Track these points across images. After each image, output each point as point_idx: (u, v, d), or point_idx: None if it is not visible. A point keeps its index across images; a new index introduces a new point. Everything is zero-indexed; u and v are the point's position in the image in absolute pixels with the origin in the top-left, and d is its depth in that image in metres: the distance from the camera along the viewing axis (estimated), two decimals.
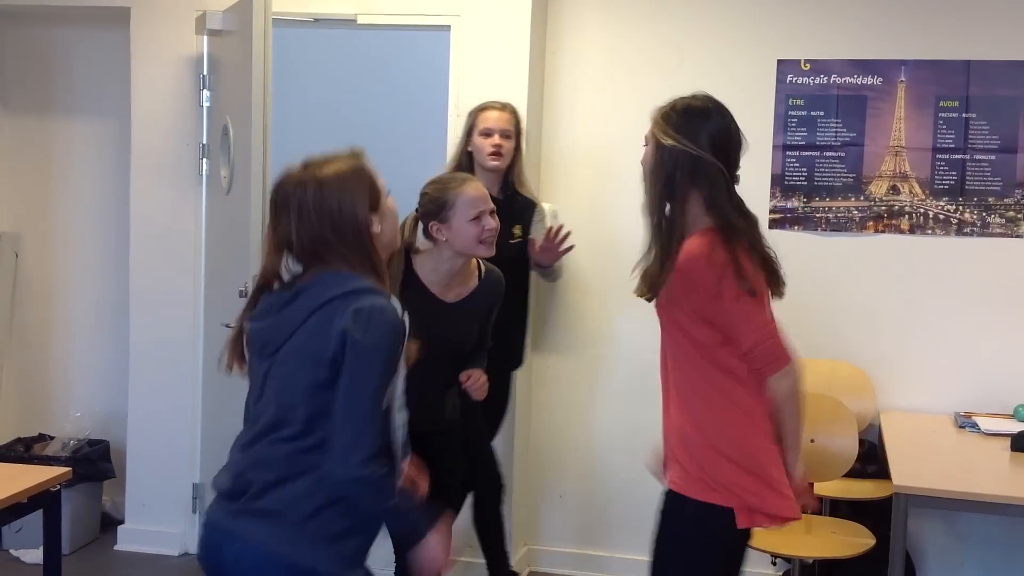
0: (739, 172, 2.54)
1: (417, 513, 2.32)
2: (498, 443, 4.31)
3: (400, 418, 2.29)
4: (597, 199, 4.46)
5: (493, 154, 3.84)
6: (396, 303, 2.25)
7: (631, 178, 4.33)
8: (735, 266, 2.38)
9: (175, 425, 4.59)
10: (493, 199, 3.34)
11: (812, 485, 2.80)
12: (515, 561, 4.38)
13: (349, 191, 2.23)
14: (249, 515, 2.21)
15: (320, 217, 2.21)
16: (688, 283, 2.42)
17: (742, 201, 2.54)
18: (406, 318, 2.25)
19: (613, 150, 4.44)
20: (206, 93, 4.50)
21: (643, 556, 4.40)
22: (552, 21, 4.46)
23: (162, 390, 4.60)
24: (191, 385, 4.59)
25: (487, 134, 3.85)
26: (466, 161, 3.87)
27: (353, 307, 2.16)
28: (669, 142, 2.48)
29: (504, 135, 3.87)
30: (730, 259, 2.38)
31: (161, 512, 4.61)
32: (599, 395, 4.50)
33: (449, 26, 4.29)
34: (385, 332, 2.17)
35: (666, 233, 2.47)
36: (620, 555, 4.46)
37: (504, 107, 3.91)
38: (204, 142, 4.52)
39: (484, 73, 4.26)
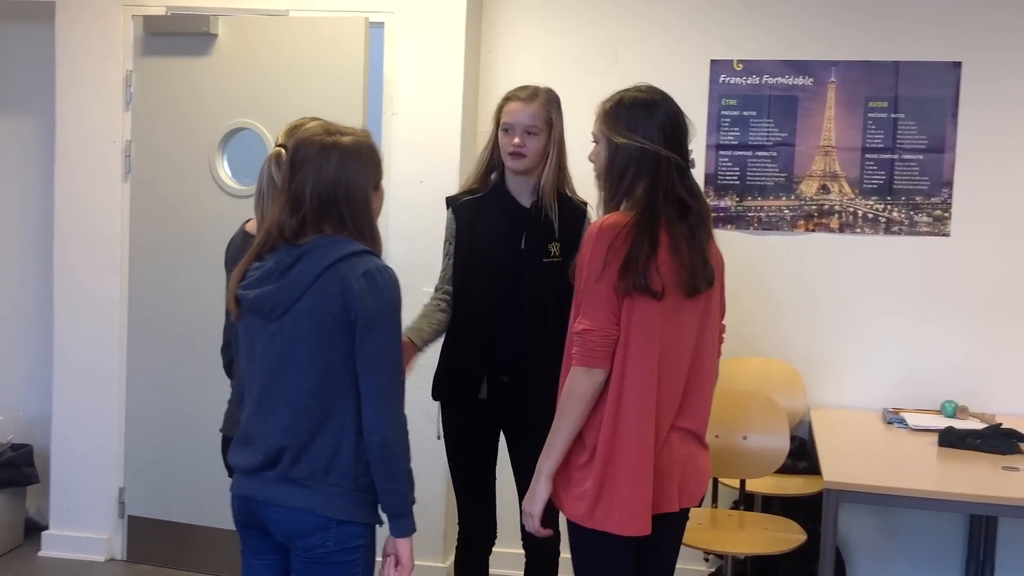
0: (692, 156, 2.54)
1: (413, 495, 2.39)
2: (434, 444, 4.28)
3: None
4: None
5: (513, 154, 3.16)
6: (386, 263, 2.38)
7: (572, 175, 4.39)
8: (624, 252, 2.37)
9: (100, 429, 4.49)
10: (523, 209, 3.17)
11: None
12: (449, 563, 4.36)
13: (365, 164, 2.38)
14: (288, 483, 2.33)
15: (336, 182, 2.33)
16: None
17: (697, 188, 2.53)
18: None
19: None
20: (132, 89, 4.42)
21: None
22: (487, 19, 4.44)
23: (87, 393, 4.50)
24: (116, 388, 4.49)
25: (507, 130, 3.19)
26: (497, 160, 3.26)
27: (362, 269, 2.29)
28: (621, 140, 2.48)
29: (529, 131, 3.17)
30: (623, 245, 2.38)
31: (87, 517, 4.51)
32: None
33: (383, 23, 4.25)
34: (393, 290, 2.32)
35: None
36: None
37: (532, 96, 3.24)
38: (129, 139, 4.44)
39: (419, 70, 4.23)
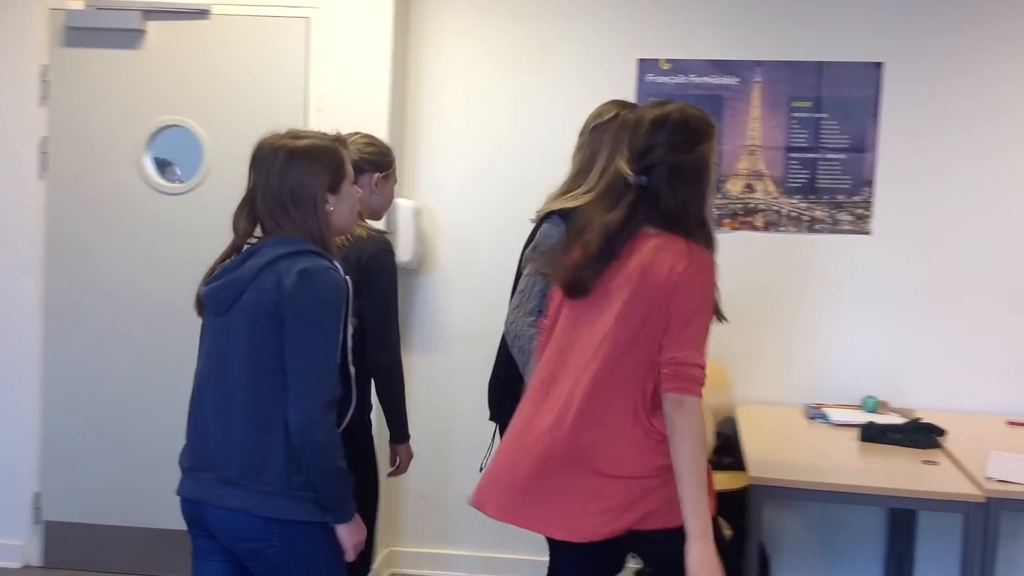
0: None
1: (351, 484, 2.39)
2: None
3: (351, 370, 2.46)
4: (464, 195, 4.43)
5: None
6: (339, 266, 2.38)
7: (497, 174, 4.39)
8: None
9: (15, 432, 4.37)
10: None
11: None
12: (377, 564, 4.32)
13: (313, 166, 2.39)
14: (223, 483, 2.34)
15: (282, 183, 2.38)
16: None
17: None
18: (348, 280, 2.39)
19: (479, 146, 4.42)
20: (48, 83, 4.31)
21: (504, 554, 4.44)
22: (415, 15, 4.41)
23: (1, 395, 4.38)
24: (32, 390, 4.37)
25: None
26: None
27: (299, 267, 2.30)
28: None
29: None
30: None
31: (1, 523, 4.38)
32: (462, 394, 4.47)
33: (308, 17, 4.20)
34: (329, 290, 2.31)
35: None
36: (482, 554, 4.46)
37: None
38: (46, 134, 4.32)
39: (345, 67, 4.19)
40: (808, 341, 4.26)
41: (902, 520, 4.18)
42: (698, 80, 4.30)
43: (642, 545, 2.56)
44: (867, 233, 4.25)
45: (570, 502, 2.42)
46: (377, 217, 3.28)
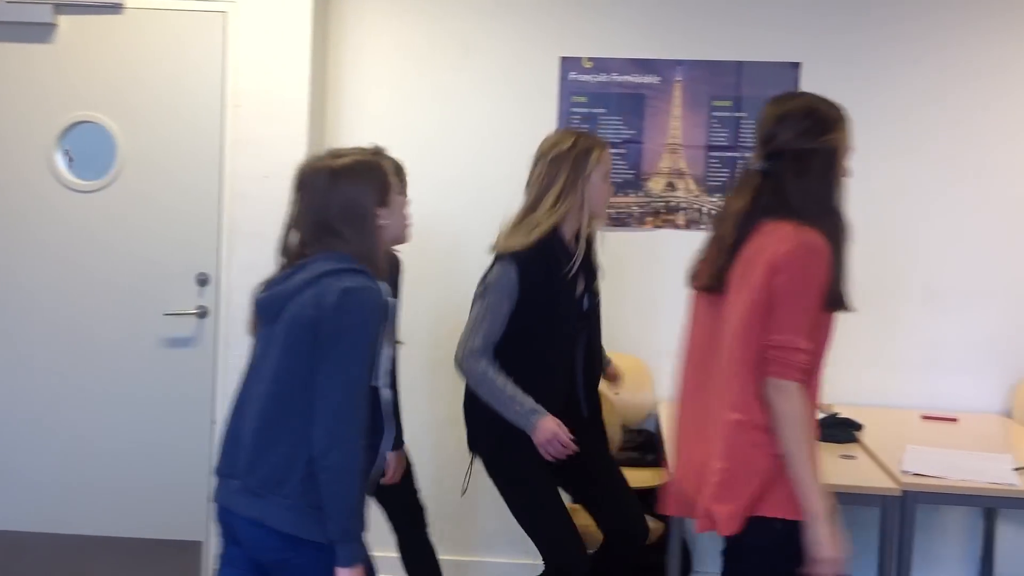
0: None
1: (361, 524, 2.32)
2: None
3: (386, 396, 2.45)
4: None
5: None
6: (384, 287, 2.37)
7: (420, 172, 4.34)
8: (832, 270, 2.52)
9: None
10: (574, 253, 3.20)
11: None
12: None
13: (360, 183, 2.41)
14: (246, 492, 2.32)
15: (330, 204, 2.38)
16: None
17: None
18: (392, 302, 2.43)
19: (401, 144, 4.36)
20: None
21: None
22: (335, 10, 4.35)
23: None
24: None
25: (608, 180, 3.25)
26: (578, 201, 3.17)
27: (342, 285, 2.29)
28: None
29: None
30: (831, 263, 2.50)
31: None
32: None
33: (225, 12, 4.12)
34: (368, 311, 2.30)
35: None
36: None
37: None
38: None
39: (263, 62, 4.11)
40: None
41: None
42: (620, 79, 4.32)
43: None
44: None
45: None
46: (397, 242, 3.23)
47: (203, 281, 4.19)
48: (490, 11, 4.33)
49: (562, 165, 3.11)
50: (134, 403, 4.22)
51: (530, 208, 3.15)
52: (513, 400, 3.06)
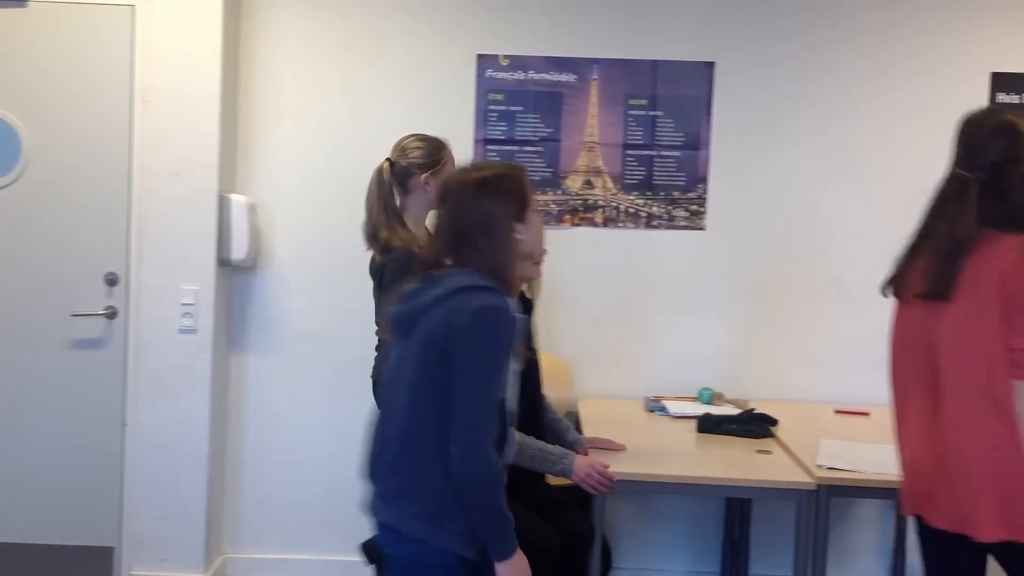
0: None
1: (511, 522, 2.40)
2: (195, 448, 4.10)
3: (510, 408, 2.50)
4: (300, 191, 4.32)
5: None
6: (513, 303, 2.42)
7: (334, 169, 4.30)
8: None
9: None
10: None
11: None
12: (212, 572, 4.18)
13: (500, 196, 2.46)
14: (380, 498, 2.46)
15: (472, 216, 2.45)
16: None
17: None
18: (523, 319, 2.46)
19: (315, 140, 4.32)
20: None
21: (345, 556, 4.35)
22: (247, 4, 4.27)
23: None
24: None
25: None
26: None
27: (475, 304, 2.34)
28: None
29: None
30: None
31: None
32: (300, 395, 4.36)
33: (133, 5, 4.02)
34: (499, 330, 2.36)
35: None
36: (324, 557, 4.36)
37: None
38: None
39: (172, 57, 4.02)
40: (647, 335, 4.33)
41: (738, 508, 4.28)
42: (537, 77, 4.31)
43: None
44: (702, 229, 4.34)
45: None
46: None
47: (112, 281, 4.09)
48: (405, 7, 4.29)
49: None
50: (42, 407, 4.10)
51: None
52: (544, 451, 3.16)
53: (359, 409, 4.35)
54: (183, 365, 4.08)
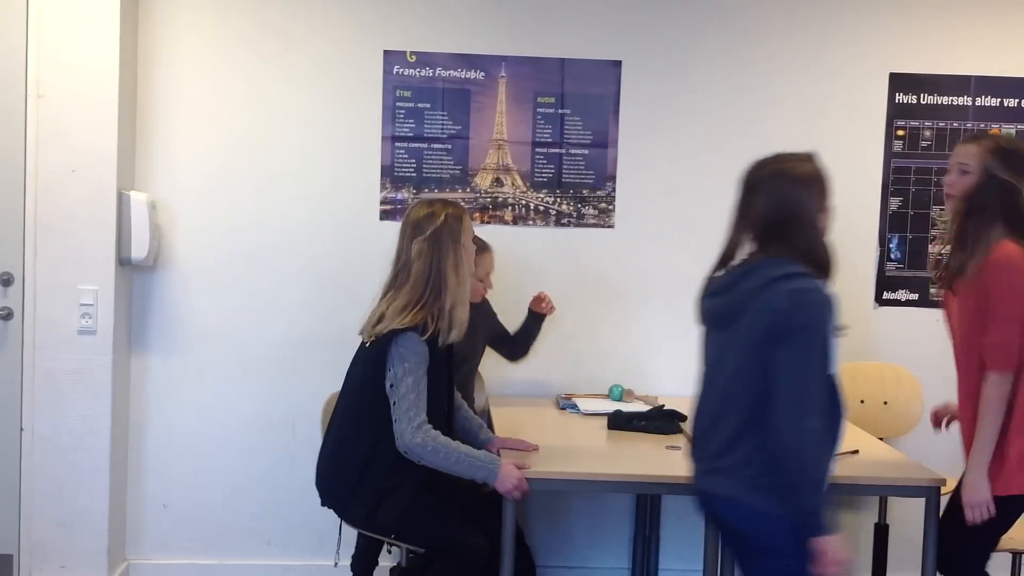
0: None
1: (820, 500, 2.50)
2: (95, 452, 3.99)
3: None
4: (203, 188, 4.22)
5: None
6: (827, 284, 2.57)
7: (238, 166, 4.21)
8: None
9: None
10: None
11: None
12: None
13: (811, 189, 2.61)
14: (713, 473, 2.64)
15: (784, 206, 2.59)
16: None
17: None
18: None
19: (218, 137, 4.23)
20: None
21: (252, 560, 4.28)
22: None
23: None
24: None
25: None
26: None
27: (789, 288, 2.51)
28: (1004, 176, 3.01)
29: None
30: None
31: None
32: (205, 397, 4.27)
33: None
34: (818, 309, 2.51)
35: (972, 241, 2.99)
36: (230, 561, 4.29)
37: None
38: None
39: (68, 50, 3.89)
40: (557, 333, 4.34)
41: (648, 504, 4.32)
42: (445, 73, 4.29)
43: None
44: (611, 227, 4.36)
45: None
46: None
47: (6, 281, 3.95)
48: (312, 3, 4.23)
49: (444, 239, 3.23)
50: None
51: (427, 287, 3.21)
52: (470, 456, 3.15)
53: (266, 410, 4.30)
54: (82, 367, 3.96)
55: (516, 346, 4.13)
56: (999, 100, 4.41)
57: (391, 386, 3.14)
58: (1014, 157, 3.03)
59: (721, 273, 2.73)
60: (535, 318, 4.11)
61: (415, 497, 3.23)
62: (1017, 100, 4.41)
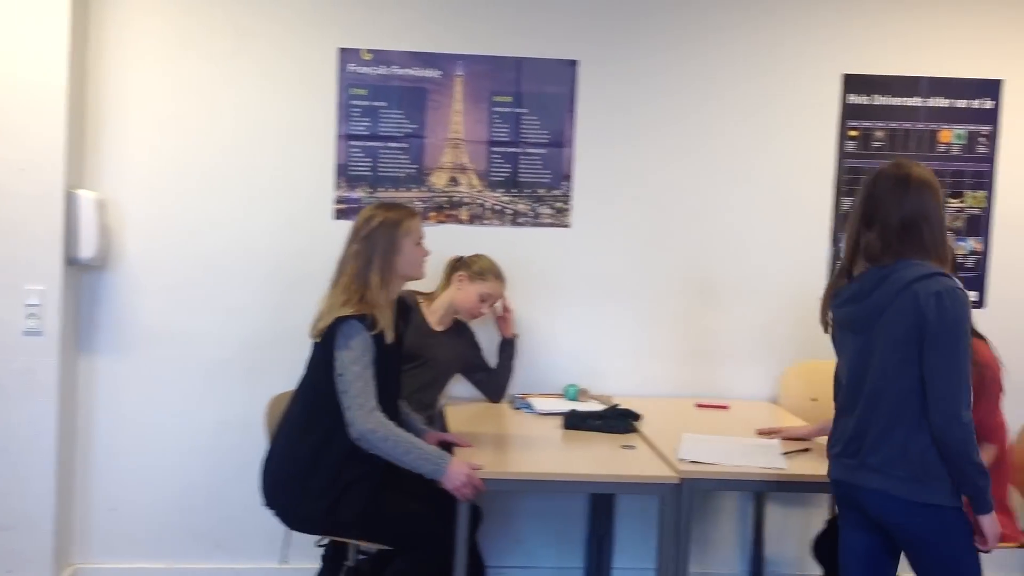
0: None
1: (988, 479, 2.66)
2: (41, 455, 3.92)
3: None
4: (154, 185, 4.16)
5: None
6: (959, 283, 2.69)
7: (190, 164, 4.15)
8: None
9: None
10: None
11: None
12: None
13: (936, 194, 2.77)
14: (864, 468, 2.78)
15: (913, 212, 2.73)
16: None
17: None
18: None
19: (169, 134, 4.16)
20: None
21: (201, 564, 4.22)
22: None
23: None
24: None
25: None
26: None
27: (933, 290, 2.64)
28: None
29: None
30: None
31: None
32: (153, 398, 4.20)
33: None
34: (960, 307, 2.65)
35: None
36: (179, 565, 4.23)
37: None
38: None
39: (15, 44, 3.82)
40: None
41: (602, 504, 4.32)
42: (400, 72, 4.26)
43: None
44: (567, 226, 4.36)
45: None
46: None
47: None
48: (265, 0, 4.18)
49: (376, 241, 3.27)
50: None
51: (357, 286, 3.25)
52: (421, 449, 3.15)
53: (216, 411, 4.24)
54: (28, 369, 3.89)
55: (492, 384, 4.16)
56: (950, 101, 4.46)
57: (339, 375, 3.13)
58: None
59: (846, 281, 2.86)
60: (505, 346, 4.16)
61: (375, 492, 3.20)
62: (967, 101, 4.47)
